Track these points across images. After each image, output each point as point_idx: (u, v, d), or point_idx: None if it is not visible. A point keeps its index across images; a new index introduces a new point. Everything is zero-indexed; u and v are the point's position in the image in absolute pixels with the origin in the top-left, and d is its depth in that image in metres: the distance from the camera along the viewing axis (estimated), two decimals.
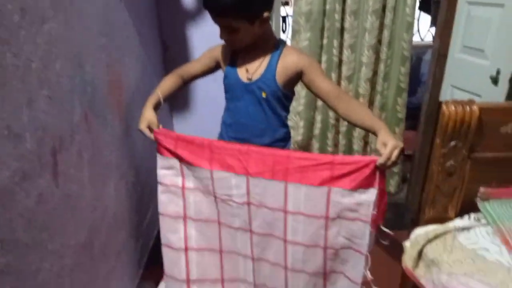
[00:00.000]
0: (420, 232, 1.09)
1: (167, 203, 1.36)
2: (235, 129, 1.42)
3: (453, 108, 1.07)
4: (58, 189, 0.93)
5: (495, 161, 1.13)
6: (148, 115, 1.29)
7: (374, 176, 1.10)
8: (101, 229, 1.19)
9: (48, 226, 0.89)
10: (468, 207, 1.10)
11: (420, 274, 1.06)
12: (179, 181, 1.34)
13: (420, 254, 1.07)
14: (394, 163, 1.05)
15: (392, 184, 2.40)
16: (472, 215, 1.08)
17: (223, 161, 1.27)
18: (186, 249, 1.40)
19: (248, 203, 1.28)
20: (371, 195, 1.12)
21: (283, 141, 1.44)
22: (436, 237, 1.06)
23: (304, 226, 1.24)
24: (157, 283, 1.55)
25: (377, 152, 1.07)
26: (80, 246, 1.04)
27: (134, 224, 1.52)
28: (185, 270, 1.42)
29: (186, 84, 1.43)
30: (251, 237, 1.33)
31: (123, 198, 1.41)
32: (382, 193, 1.13)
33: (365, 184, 1.12)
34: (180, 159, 1.31)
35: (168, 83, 1.38)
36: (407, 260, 1.09)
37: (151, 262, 1.64)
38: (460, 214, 1.10)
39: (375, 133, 1.13)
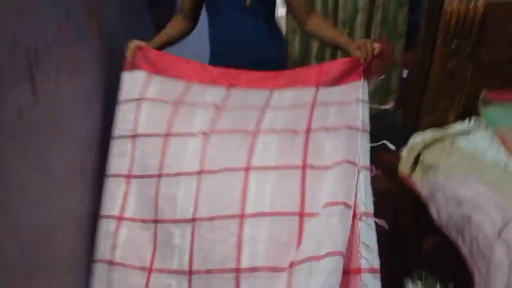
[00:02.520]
0: (417, 139, 1.06)
1: (121, 121, 1.18)
2: (219, 53, 1.38)
3: (456, 4, 0.99)
4: (38, 106, 0.89)
5: (499, 62, 1.06)
6: (137, 41, 1.24)
7: (358, 71, 1.10)
8: (92, 149, 1.16)
9: (31, 142, 0.86)
10: (468, 111, 1.06)
11: (417, 179, 1.04)
12: (139, 93, 1.20)
13: (416, 160, 1.05)
14: (380, 54, 1.07)
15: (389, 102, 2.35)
16: (473, 120, 1.04)
17: (206, 77, 1.22)
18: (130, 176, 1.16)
19: (221, 106, 1.16)
20: (357, 86, 1.10)
21: (273, 59, 1.40)
22: (434, 142, 1.03)
23: (286, 113, 1.12)
24: None
25: None
26: (69, 164, 1.02)
27: None
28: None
29: (194, 22, 1.38)
30: (205, 142, 1.10)
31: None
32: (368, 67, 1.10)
33: (350, 79, 1.11)
34: (150, 71, 1.23)
35: (165, 31, 1.33)
36: (403, 166, 1.07)
37: None
38: (460, 119, 1.06)
39: (346, 50, 1.15)
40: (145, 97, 1.19)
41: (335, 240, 0.87)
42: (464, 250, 0.86)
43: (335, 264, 0.85)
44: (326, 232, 0.90)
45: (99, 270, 1.08)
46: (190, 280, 1.01)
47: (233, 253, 0.97)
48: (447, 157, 0.98)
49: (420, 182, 1.03)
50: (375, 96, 2.28)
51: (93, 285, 1.08)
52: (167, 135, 1.14)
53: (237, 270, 0.96)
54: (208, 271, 0.99)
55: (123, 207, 1.12)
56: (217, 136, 1.10)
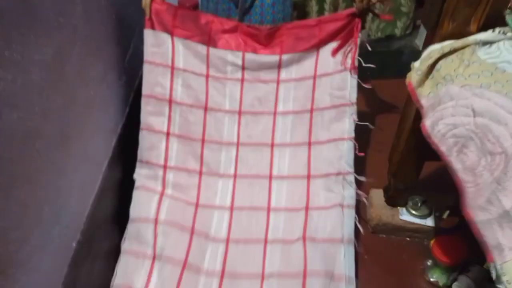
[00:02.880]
0: (435, 48, 0.96)
1: (153, 84, 1.34)
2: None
3: None
4: None
5: None
6: None
7: (353, 28, 1.30)
8: (71, 52, 1.04)
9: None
10: (493, 21, 0.95)
11: (424, 92, 0.96)
12: (168, 60, 1.34)
13: (430, 71, 0.96)
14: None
15: (398, 27, 2.20)
16: (497, 29, 0.94)
17: (220, 38, 1.35)
18: (168, 134, 1.37)
19: (242, 79, 1.38)
20: (350, 45, 1.33)
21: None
22: (453, 51, 0.93)
23: (295, 92, 1.39)
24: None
25: None
26: (47, 64, 0.91)
27: (114, 57, 1.37)
28: (164, 155, 1.37)
29: None
30: (239, 119, 1.41)
31: (96, 21, 1.22)
32: (356, 42, 1.32)
33: (346, 37, 1.32)
34: (174, 34, 1.33)
35: None
36: (413, 75, 0.98)
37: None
38: (483, 29, 0.96)
39: None
40: (177, 66, 1.35)
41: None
42: (458, 166, 0.80)
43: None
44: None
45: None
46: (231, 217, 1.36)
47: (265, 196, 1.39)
48: (466, 67, 0.88)
49: (427, 97, 0.94)
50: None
51: None
52: (206, 109, 1.39)
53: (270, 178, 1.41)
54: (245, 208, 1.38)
55: (166, 158, 1.37)
56: (246, 118, 1.41)
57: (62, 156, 1.01)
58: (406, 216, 1.40)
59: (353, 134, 1.33)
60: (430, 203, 1.42)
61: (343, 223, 1.26)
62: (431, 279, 1.32)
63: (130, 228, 1.28)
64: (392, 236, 1.45)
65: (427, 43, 1.01)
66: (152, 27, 1.31)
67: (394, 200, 1.42)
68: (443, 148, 0.83)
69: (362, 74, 1.35)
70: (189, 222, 1.32)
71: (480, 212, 0.72)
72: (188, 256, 1.26)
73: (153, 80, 1.34)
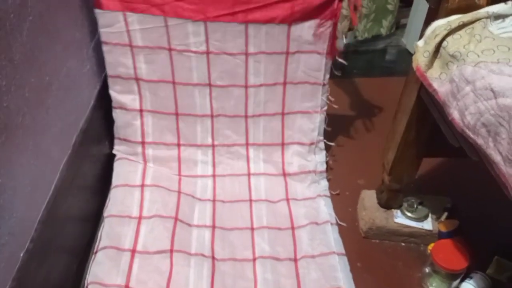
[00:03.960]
0: (440, 23, 0.84)
1: (115, 64, 1.30)
2: None
3: None
4: None
5: None
6: None
7: (333, 8, 1.23)
8: (20, 28, 0.89)
9: None
10: None
11: (434, 74, 0.84)
12: (125, 37, 1.26)
13: (437, 50, 0.84)
14: None
15: (384, 26, 2.14)
16: (510, 2, 0.83)
17: (176, 7, 1.21)
18: (141, 110, 1.39)
19: (208, 52, 1.29)
20: (328, 27, 1.26)
21: None
22: (461, 27, 0.82)
23: (265, 65, 1.33)
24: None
25: None
26: None
27: (76, 42, 1.21)
28: (140, 132, 1.41)
29: None
30: (210, 92, 1.36)
31: None
32: (335, 26, 1.27)
33: (324, 16, 1.25)
34: (125, 9, 1.22)
35: None
36: (420, 57, 0.86)
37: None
38: (494, 2, 0.85)
39: None
40: (135, 44, 1.27)
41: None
42: (497, 157, 0.67)
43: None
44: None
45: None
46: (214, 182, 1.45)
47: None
48: (478, 42, 0.77)
49: (439, 79, 0.83)
50: (369, 16, 2.05)
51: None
52: (174, 83, 1.34)
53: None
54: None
55: (143, 134, 1.41)
56: (217, 91, 1.36)
57: (5, 151, 0.85)
58: (401, 219, 1.28)
59: (325, 108, 1.44)
60: (427, 204, 1.30)
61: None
62: None
63: (114, 194, 1.32)
64: (386, 241, 1.33)
65: (429, 20, 0.89)
66: (100, 7, 1.20)
67: (388, 201, 1.30)
68: (480, 141, 0.70)
69: (349, 73, 1.47)
70: (174, 187, 1.38)
71: None
72: (177, 214, 1.29)
73: (114, 61, 1.29)
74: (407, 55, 2.12)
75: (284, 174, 1.48)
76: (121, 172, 1.39)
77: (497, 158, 0.67)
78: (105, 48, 1.27)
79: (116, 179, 1.37)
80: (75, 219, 1.21)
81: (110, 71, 1.31)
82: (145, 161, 1.43)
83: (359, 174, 1.54)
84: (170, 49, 1.29)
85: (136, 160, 1.43)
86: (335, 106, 1.48)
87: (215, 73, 1.33)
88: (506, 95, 0.66)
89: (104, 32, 1.25)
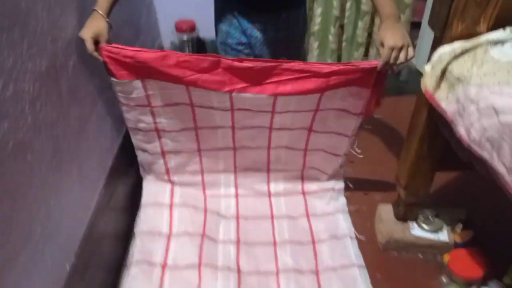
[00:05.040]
0: (445, 50, 0.93)
1: (135, 121, 1.27)
2: None
3: None
4: None
5: None
6: (98, 23, 1.04)
7: (371, 79, 1.11)
8: (66, 65, 1.00)
9: None
10: (503, 20, 0.92)
11: (442, 96, 0.92)
12: (144, 100, 1.20)
13: (443, 74, 0.92)
14: (399, 64, 1.01)
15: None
16: (508, 28, 0.91)
17: (199, 79, 1.11)
18: (163, 152, 1.39)
19: (232, 109, 1.23)
20: (364, 94, 1.17)
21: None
22: (464, 52, 0.90)
23: (292, 120, 1.29)
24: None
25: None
26: (41, 74, 0.88)
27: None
28: (164, 167, 1.45)
29: None
30: (233, 133, 1.34)
31: None
32: (377, 91, 1.16)
33: (360, 84, 1.13)
34: (142, 77, 1.13)
35: None
36: (428, 80, 0.94)
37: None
38: (493, 28, 0.93)
39: (381, 20, 1.05)
40: (155, 105, 1.22)
41: None
42: (502, 169, 0.74)
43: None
44: None
45: None
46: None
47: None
48: (480, 66, 0.85)
49: (446, 99, 0.91)
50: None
51: None
52: (196, 128, 1.33)
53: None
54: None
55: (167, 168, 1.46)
56: (240, 133, 1.35)
57: (54, 173, 0.95)
58: (418, 231, 1.34)
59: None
60: (442, 216, 1.36)
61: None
62: None
63: (144, 212, 1.40)
64: (403, 253, 1.38)
65: (435, 46, 0.98)
66: (114, 76, 1.11)
67: (404, 215, 1.36)
68: (485, 155, 0.77)
69: None
70: (201, 204, 1.46)
71: None
72: (204, 230, 1.37)
73: (134, 118, 1.26)
74: (418, 75, 2.19)
75: (304, 193, 1.54)
76: (150, 192, 1.47)
77: (501, 169, 0.74)
78: (123, 108, 1.23)
79: (146, 198, 1.46)
80: (110, 237, 1.30)
81: (129, 124, 1.29)
82: (171, 182, 1.49)
83: (375, 190, 1.60)
84: (192, 105, 1.23)
85: (163, 180, 1.48)
86: (360, 157, 1.49)
87: (239, 122, 1.30)
88: (506, 112, 0.73)
89: (122, 96, 1.18)
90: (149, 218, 1.40)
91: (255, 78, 1.11)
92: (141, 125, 1.28)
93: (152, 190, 1.48)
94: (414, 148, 1.16)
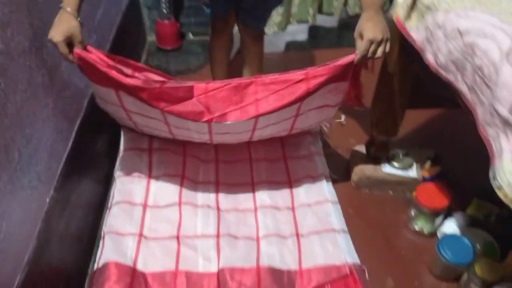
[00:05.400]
0: None
1: (103, 104, 1.24)
2: None
3: None
4: None
5: None
6: (69, 23, 0.93)
7: (348, 72, 1.07)
8: None
9: None
10: None
11: (412, 25, 0.95)
12: (118, 103, 1.15)
13: (414, 4, 0.95)
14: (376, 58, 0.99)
15: None
16: None
17: (173, 108, 1.05)
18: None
19: (211, 139, 1.29)
20: (342, 87, 1.14)
21: None
22: None
23: (272, 127, 1.25)
24: None
25: None
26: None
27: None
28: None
29: None
30: (210, 136, 1.26)
31: None
32: (355, 84, 1.14)
33: (338, 80, 1.09)
34: (117, 88, 1.06)
35: None
36: (399, 10, 0.97)
37: None
38: None
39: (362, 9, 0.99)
40: (129, 108, 1.18)
41: None
42: (464, 88, 0.79)
43: None
44: None
45: None
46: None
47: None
48: None
49: (416, 29, 0.93)
50: None
51: None
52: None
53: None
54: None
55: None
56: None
57: (30, 103, 0.94)
58: (389, 168, 1.40)
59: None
60: (412, 155, 1.42)
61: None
62: (416, 228, 1.32)
63: (123, 157, 1.44)
64: (375, 191, 1.45)
65: None
66: (92, 80, 1.08)
67: (376, 154, 1.41)
68: (450, 77, 0.81)
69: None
70: (180, 150, 1.50)
71: (489, 127, 0.71)
72: (184, 171, 1.42)
73: (103, 102, 1.24)
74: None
75: (281, 138, 1.56)
76: (128, 137, 1.49)
77: (464, 88, 0.78)
78: (93, 87, 1.17)
79: (124, 144, 1.47)
80: (90, 178, 1.32)
81: (101, 105, 1.27)
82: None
83: (350, 134, 1.65)
84: (168, 125, 1.21)
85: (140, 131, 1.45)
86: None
87: (217, 136, 1.26)
88: (470, 33, 0.76)
89: (95, 91, 1.19)
90: (129, 162, 1.43)
91: (233, 101, 1.07)
92: (112, 112, 1.30)
93: (131, 136, 1.49)
94: (385, 85, 1.20)
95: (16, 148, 0.88)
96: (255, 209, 1.35)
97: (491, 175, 0.66)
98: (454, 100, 0.90)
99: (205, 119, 1.06)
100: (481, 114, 0.74)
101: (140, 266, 1.16)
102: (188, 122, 1.11)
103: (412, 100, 1.24)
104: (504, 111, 0.65)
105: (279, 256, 1.21)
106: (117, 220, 1.26)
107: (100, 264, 1.13)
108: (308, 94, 1.07)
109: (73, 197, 1.15)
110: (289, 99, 1.06)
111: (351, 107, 1.23)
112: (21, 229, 0.89)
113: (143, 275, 1.15)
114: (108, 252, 1.16)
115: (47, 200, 1.00)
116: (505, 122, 0.65)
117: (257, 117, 1.08)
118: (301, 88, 1.05)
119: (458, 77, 0.80)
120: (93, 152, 1.35)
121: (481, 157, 0.82)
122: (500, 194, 0.62)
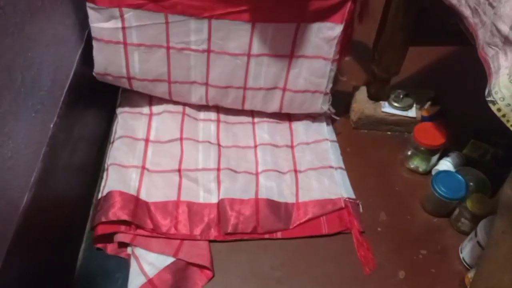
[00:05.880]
0: None
1: (105, 63, 1.25)
2: None
3: None
4: None
5: None
6: None
7: (343, 11, 1.12)
8: None
9: None
10: None
11: None
12: (119, 35, 1.17)
13: None
14: None
15: None
16: None
17: (179, 3, 1.11)
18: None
19: (208, 51, 1.22)
20: (336, 31, 1.17)
21: None
22: None
23: (267, 68, 1.26)
24: None
25: None
26: None
27: None
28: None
29: None
30: (206, 89, 1.34)
31: None
32: (347, 28, 1.16)
33: (333, 19, 1.14)
34: (121, 4, 1.10)
35: None
36: None
37: None
38: None
39: None
40: (129, 42, 1.20)
41: None
42: (467, 11, 0.78)
43: None
44: None
45: None
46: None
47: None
48: None
49: None
50: None
51: None
52: (170, 82, 1.33)
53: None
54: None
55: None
56: (214, 91, 1.35)
57: (31, 25, 0.94)
58: (388, 108, 1.41)
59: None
60: (412, 96, 1.42)
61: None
62: (411, 166, 1.35)
63: (125, 95, 1.45)
64: (373, 131, 1.47)
65: None
66: (93, 1, 1.10)
67: (376, 93, 1.42)
68: (453, 1, 0.80)
69: None
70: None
71: (489, 48, 0.71)
72: (185, 109, 1.43)
73: (105, 60, 1.23)
74: None
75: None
76: None
77: (467, 12, 0.77)
78: (95, 44, 1.20)
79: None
80: (92, 111, 1.33)
81: (98, 69, 1.26)
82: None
83: (351, 76, 1.64)
84: (168, 47, 1.21)
85: None
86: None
87: (214, 72, 1.27)
88: None
89: (96, 28, 1.17)
90: (131, 99, 1.44)
91: (234, 3, 1.11)
92: (111, 69, 1.26)
93: None
94: (388, 20, 1.18)
95: (19, 70, 0.88)
96: (255, 147, 1.38)
97: (486, 92, 0.67)
98: (457, 30, 0.89)
99: (206, 14, 1.13)
100: (482, 35, 0.74)
101: (143, 196, 1.20)
102: (190, 25, 1.16)
103: (415, 35, 1.23)
104: (505, 28, 0.65)
105: (277, 189, 1.25)
106: (120, 153, 1.29)
107: (105, 193, 1.18)
108: (303, 16, 1.13)
109: (76, 128, 1.17)
110: (286, 15, 1.14)
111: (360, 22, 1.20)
112: (27, 150, 0.91)
113: (146, 204, 1.19)
114: (112, 182, 1.20)
115: (51, 126, 1.02)
116: (505, 40, 0.66)
117: (253, 21, 1.14)
118: (298, 6, 1.12)
119: (462, 2, 0.79)
120: (96, 85, 1.35)
121: (481, 99, 0.83)
122: (494, 109, 0.64)
